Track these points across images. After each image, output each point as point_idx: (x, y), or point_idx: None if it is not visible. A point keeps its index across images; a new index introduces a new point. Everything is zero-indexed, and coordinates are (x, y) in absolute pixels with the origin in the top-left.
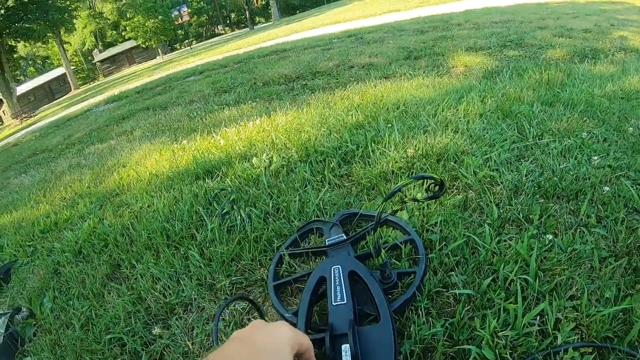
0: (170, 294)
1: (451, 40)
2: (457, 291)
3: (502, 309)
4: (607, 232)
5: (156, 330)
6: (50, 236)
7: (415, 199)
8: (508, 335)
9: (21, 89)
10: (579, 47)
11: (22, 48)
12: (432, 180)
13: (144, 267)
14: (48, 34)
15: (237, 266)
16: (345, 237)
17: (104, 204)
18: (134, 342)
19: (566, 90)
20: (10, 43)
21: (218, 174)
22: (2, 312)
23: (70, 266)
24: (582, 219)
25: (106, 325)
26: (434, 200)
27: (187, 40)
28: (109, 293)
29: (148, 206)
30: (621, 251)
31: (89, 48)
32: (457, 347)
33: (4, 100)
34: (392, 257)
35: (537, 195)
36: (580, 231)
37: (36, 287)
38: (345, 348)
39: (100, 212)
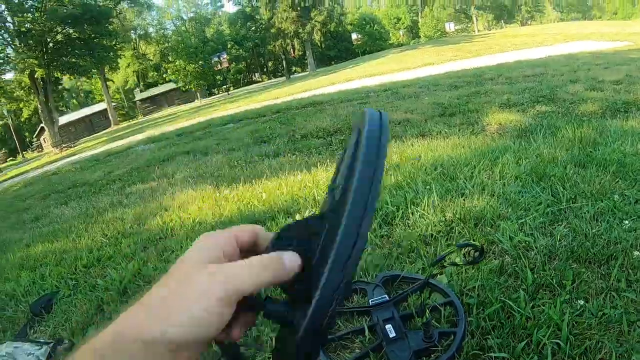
0: None
1: (485, 96)
2: (493, 354)
3: None
4: (636, 296)
5: None
6: (92, 272)
7: (455, 264)
8: None
9: (63, 120)
10: (610, 101)
11: (67, 81)
12: (473, 247)
13: None
14: (93, 70)
15: None
16: (388, 298)
17: (148, 246)
18: None
19: (598, 150)
20: (56, 75)
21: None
22: (44, 341)
23: (114, 304)
24: (612, 283)
25: None
26: (472, 266)
27: (224, 86)
28: None
29: None
30: None
31: (131, 87)
32: None
33: (46, 128)
34: (433, 318)
35: (570, 261)
36: (610, 295)
37: (79, 321)
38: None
39: (144, 254)
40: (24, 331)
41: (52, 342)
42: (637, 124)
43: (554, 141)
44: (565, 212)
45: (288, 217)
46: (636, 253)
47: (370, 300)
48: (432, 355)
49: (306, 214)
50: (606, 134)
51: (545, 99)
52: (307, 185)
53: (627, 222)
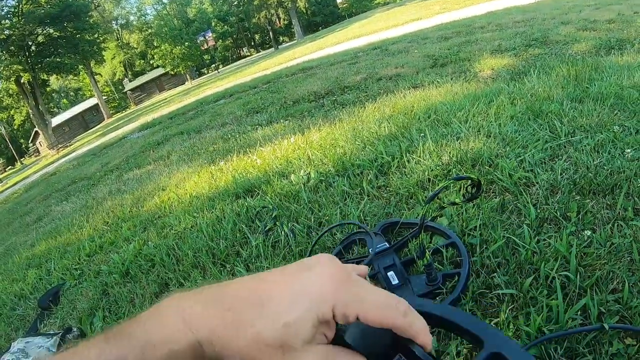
0: None
1: (475, 45)
2: (500, 291)
3: (544, 305)
4: None
5: None
6: (96, 259)
7: (454, 203)
8: (552, 330)
9: (56, 121)
10: (604, 39)
11: (54, 81)
12: (470, 183)
13: (191, 285)
14: (79, 67)
15: None
16: (388, 246)
17: (147, 226)
18: None
19: (595, 85)
20: (43, 77)
21: (258, 193)
22: (53, 332)
23: (118, 287)
24: (619, 212)
25: None
26: (472, 205)
27: (214, 65)
28: None
29: (191, 227)
30: None
31: (119, 78)
32: None
33: (40, 132)
34: (435, 262)
35: (573, 193)
36: (618, 225)
37: (86, 308)
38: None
39: (144, 235)
40: (35, 326)
41: (60, 332)
42: (632, 59)
43: (548, 80)
44: (564, 146)
45: (283, 178)
46: None
47: (370, 250)
48: (437, 298)
49: (301, 174)
50: (602, 69)
51: (538, 42)
52: (301, 146)
53: (629, 151)
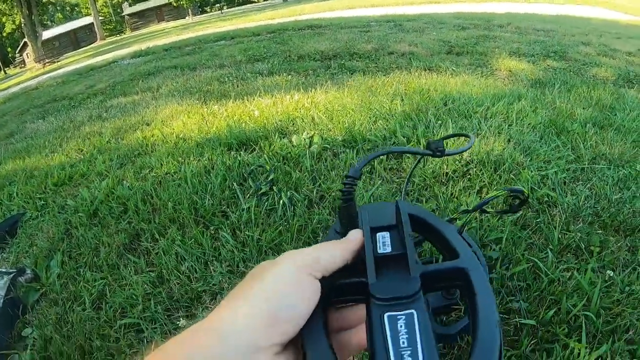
0: (196, 278)
1: (493, 42)
2: (521, 320)
3: (565, 345)
4: None
5: (182, 322)
6: (63, 191)
7: (484, 211)
8: None
9: (47, 34)
10: (623, 70)
11: None
12: (512, 194)
13: (167, 243)
14: None
15: (276, 256)
16: None
17: (125, 163)
18: (153, 330)
19: (617, 115)
20: None
21: (254, 148)
22: (5, 270)
23: (83, 229)
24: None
25: (121, 305)
26: (492, 215)
27: (218, 5)
28: (126, 266)
29: (174, 172)
30: None
31: (119, 0)
32: None
33: (29, 43)
34: None
35: (596, 225)
36: (637, 271)
37: (44, 248)
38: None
39: (120, 172)
40: None
41: (13, 273)
42: None
43: (569, 97)
44: (587, 171)
45: (283, 137)
46: None
47: None
48: (453, 314)
49: (303, 136)
50: (622, 100)
51: (557, 55)
52: (305, 105)
53: None
